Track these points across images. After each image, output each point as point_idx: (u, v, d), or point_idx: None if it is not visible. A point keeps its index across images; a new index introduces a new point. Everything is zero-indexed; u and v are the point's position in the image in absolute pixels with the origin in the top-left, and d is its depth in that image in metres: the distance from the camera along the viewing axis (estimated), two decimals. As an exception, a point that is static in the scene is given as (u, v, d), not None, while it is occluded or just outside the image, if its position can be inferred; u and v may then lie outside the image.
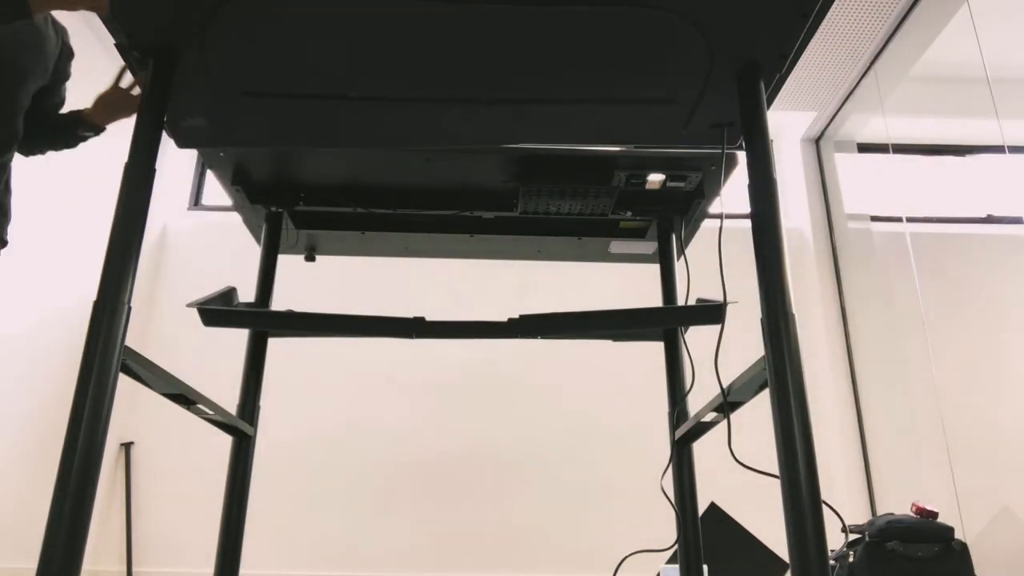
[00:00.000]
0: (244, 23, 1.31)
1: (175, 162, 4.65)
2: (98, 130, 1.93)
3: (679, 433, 1.90)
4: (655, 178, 1.87)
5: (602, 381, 4.18)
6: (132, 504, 3.88)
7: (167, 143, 1.78)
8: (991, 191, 4.48)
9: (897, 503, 3.64)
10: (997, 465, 3.57)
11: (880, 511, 3.90)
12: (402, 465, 4.01)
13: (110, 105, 1.88)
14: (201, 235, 4.49)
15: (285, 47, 1.39)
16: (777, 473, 1.15)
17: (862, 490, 4.05)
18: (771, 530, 2.70)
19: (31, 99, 1.82)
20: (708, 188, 1.92)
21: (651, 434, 3.95)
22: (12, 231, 1.87)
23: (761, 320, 1.23)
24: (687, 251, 2.10)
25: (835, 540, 1.84)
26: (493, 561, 3.84)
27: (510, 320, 1.86)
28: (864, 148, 4.61)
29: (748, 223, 1.31)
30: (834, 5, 3.19)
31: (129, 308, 1.20)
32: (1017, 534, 3.42)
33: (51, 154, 2.01)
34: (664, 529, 3.82)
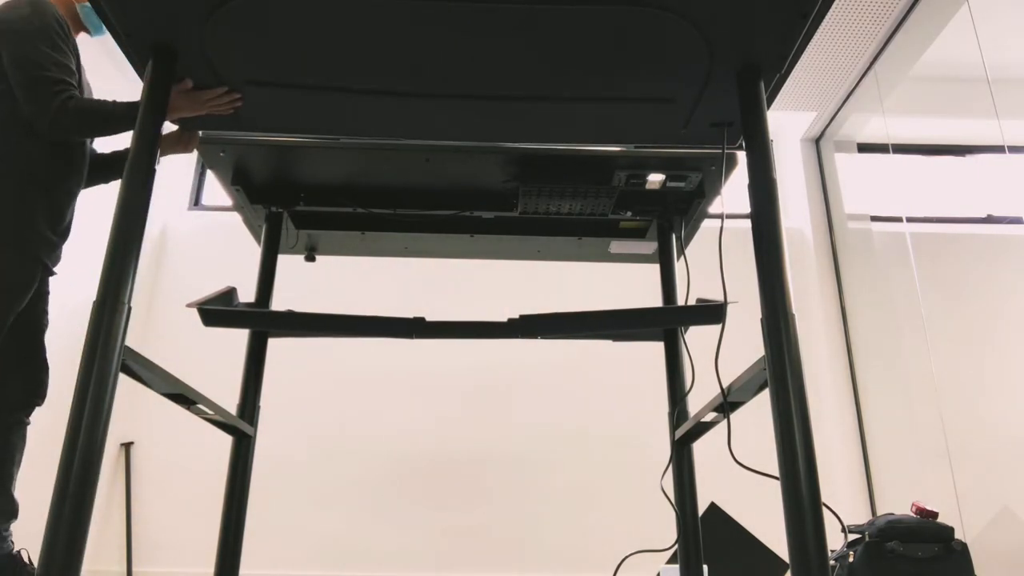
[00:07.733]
0: (245, 19, 1.31)
1: (175, 162, 4.64)
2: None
3: (679, 433, 1.90)
4: (655, 178, 1.87)
5: (602, 381, 4.17)
6: (132, 504, 3.88)
7: (167, 143, 1.78)
8: (991, 191, 4.48)
9: (897, 503, 3.64)
10: (997, 465, 3.56)
11: (880, 511, 3.90)
12: (402, 465, 4.01)
13: (167, 141, 1.90)
14: (201, 235, 4.49)
15: (288, 39, 1.39)
16: (777, 473, 1.15)
17: (862, 490, 4.04)
18: (771, 530, 2.71)
19: None
20: (708, 188, 1.92)
21: (651, 434, 3.95)
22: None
23: (761, 320, 1.23)
24: (687, 251, 2.09)
25: (835, 540, 1.84)
26: (493, 561, 3.84)
27: (510, 320, 1.85)
28: (864, 148, 4.61)
29: (748, 223, 1.31)
30: (834, 5, 3.19)
31: (129, 308, 1.20)
32: (1017, 534, 3.42)
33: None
34: (664, 529, 3.82)
